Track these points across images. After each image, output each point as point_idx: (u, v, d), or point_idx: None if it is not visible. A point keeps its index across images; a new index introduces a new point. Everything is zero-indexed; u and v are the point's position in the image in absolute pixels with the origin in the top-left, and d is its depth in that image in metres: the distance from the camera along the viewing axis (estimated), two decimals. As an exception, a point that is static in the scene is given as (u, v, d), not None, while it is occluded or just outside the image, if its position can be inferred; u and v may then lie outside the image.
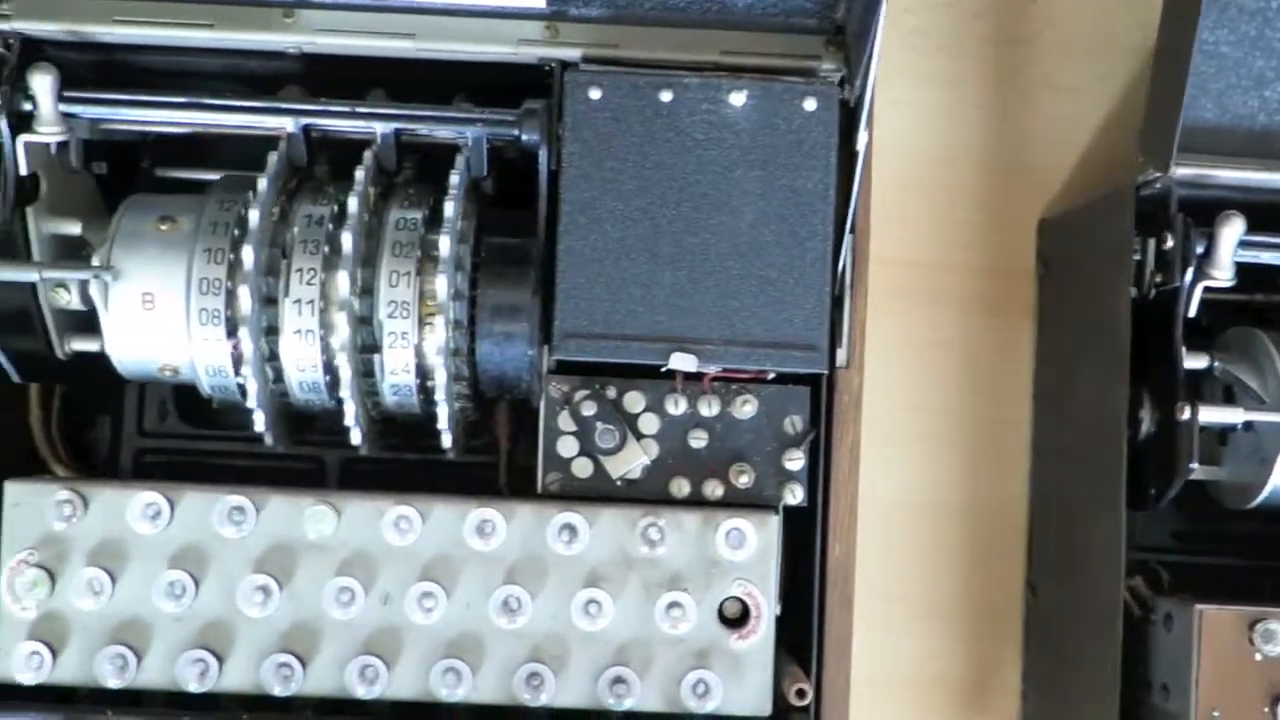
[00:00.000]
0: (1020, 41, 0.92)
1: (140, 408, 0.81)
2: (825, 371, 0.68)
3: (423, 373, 0.69)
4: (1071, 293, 0.84)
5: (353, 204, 0.67)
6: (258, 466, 0.79)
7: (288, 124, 0.70)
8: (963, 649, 0.91)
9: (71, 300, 0.72)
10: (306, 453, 0.80)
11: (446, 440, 0.70)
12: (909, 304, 0.90)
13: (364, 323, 0.68)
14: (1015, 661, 0.90)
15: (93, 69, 0.74)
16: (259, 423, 0.69)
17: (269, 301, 0.68)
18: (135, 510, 0.68)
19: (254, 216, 0.66)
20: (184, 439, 0.81)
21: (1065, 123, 0.92)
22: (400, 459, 0.78)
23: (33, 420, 0.76)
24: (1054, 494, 0.86)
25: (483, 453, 0.77)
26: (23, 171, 0.70)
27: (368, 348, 0.68)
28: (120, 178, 0.77)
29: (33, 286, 0.71)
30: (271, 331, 0.68)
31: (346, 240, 0.66)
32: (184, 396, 0.81)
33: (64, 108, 0.70)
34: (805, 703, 0.68)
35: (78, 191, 0.75)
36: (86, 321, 0.74)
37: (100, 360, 0.76)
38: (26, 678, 0.68)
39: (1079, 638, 0.82)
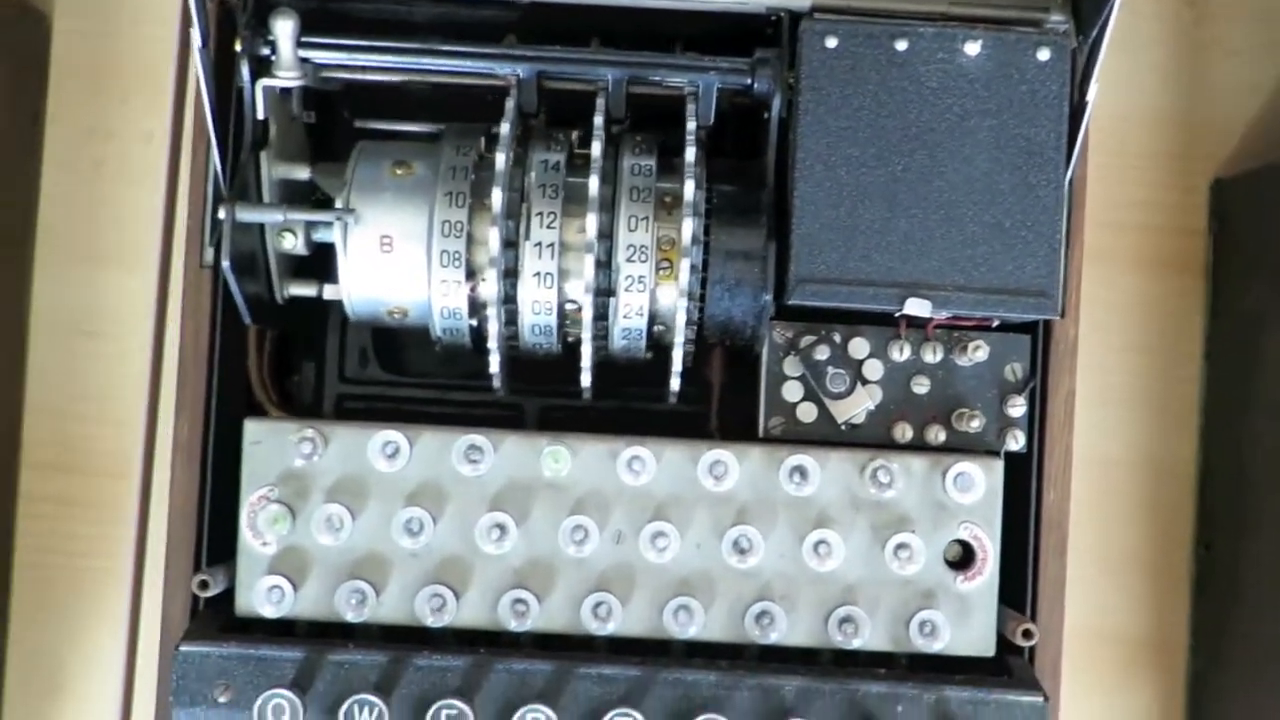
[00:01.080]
0: (1194, 3, 0.93)
1: (341, 355, 0.83)
2: (1058, 318, 0.69)
3: (653, 318, 0.71)
4: (1257, 250, 0.85)
5: (596, 148, 0.68)
6: (455, 413, 0.81)
7: (520, 70, 0.71)
8: (1133, 603, 0.92)
9: (296, 245, 0.73)
10: (505, 399, 0.81)
11: (675, 384, 0.71)
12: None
13: (601, 266, 0.69)
14: (1184, 617, 0.92)
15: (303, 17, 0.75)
16: (494, 364, 0.71)
17: (508, 245, 0.69)
18: (374, 448, 0.70)
19: (500, 159, 0.68)
20: (383, 385, 0.82)
21: (1237, 84, 0.93)
22: (595, 407, 0.79)
23: (250, 364, 0.77)
24: (1235, 450, 0.87)
25: (690, 401, 0.78)
26: (260, 116, 0.71)
27: (603, 291, 0.70)
28: (319, 127, 0.79)
29: (260, 231, 0.72)
30: (509, 274, 0.69)
31: (592, 184, 0.68)
32: (383, 344, 0.83)
33: (301, 53, 0.71)
34: (1031, 643, 0.70)
35: (295, 139, 0.76)
36: (304, 266, 0.76)
37: (311, 305, 0.77)
38: (268, 611, 0.70)
39: (1262, 595, 0.83)
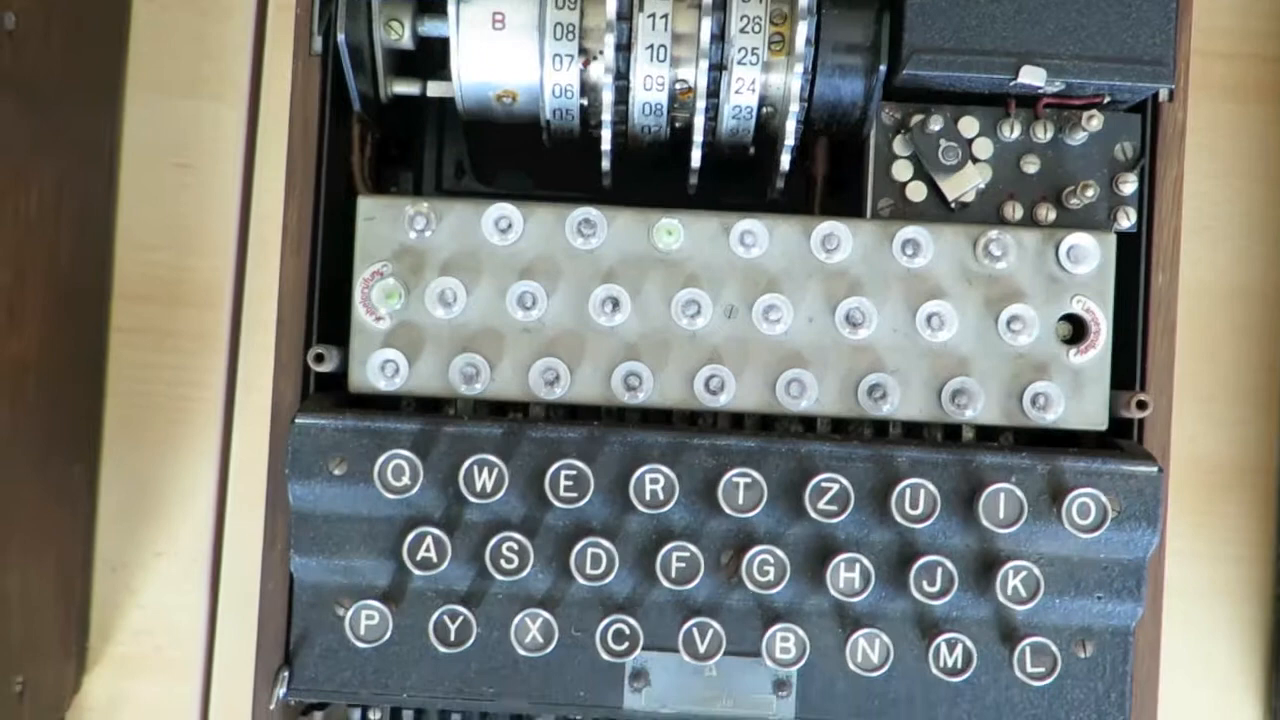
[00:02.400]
0: None
1: (439, 167, 0.83)
2: (1172, 86, 0.69)
3: (762, 100, 0.71)
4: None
5: (709, -83, 0.69)
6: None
7: None
8: (1222, 429, 0.92)
9: (402, 37, 0.73)
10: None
11: (785, 161, 0.72)
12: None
13: (715, 40, 0.69)
14: (1274, 441, 0.92)
15: None
16: (605, 140, 0.71)
17: (621, 18, 0.69)
18: (487, 223, 0.70)
19: (613, -70, 0.68)
20: (479, 198, 0.83)
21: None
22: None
23: (353, 163, 0.78)
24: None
25: (794, 196, 0.78)
26: (365, -100, 0.72)
27: (715, 66, 0.70)
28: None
29: (368, 24, 0.73)
30: (622, 49, 0.69)
31: (707, -49, 0.68)
32: (480, 155, 0.83)
33: None
34: (1145, 414, 0.69)
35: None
36: (408, 64, 0.76)
37: (413, 109, 0.78)
38: (382, 385, 0.70)
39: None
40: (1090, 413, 0.70)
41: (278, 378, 0.73)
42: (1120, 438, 0.72)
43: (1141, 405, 0.69)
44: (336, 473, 0.69)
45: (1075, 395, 0.70)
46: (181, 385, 0.92)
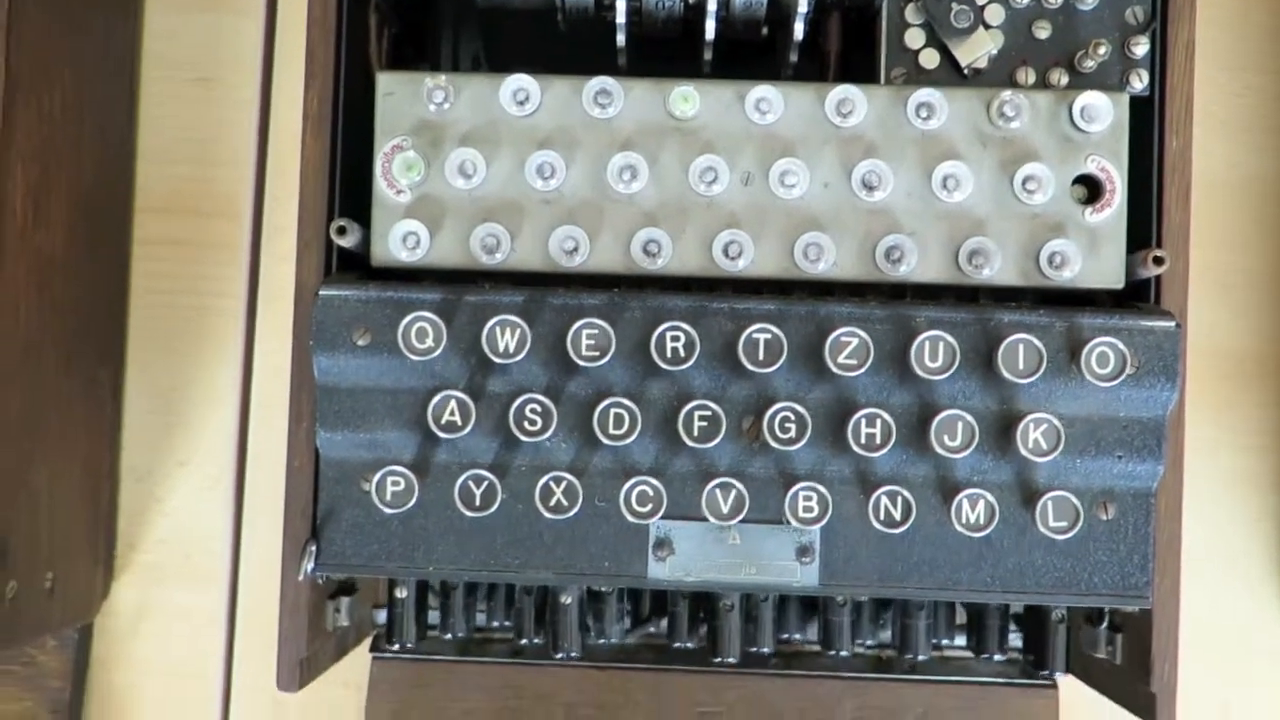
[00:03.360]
0: None
1: (455, 58, 0.84)
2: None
3: (774, -31, 0.72)
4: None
5: None
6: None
7: None
8: (1240, 320, 0.92)
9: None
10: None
11: (799, 30, 0.72)
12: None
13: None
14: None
15: None
16: (620, 14, 0.72)
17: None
18: (505, 95, 0.71)
19: None
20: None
21: None
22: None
23: (370, 50, 0.79)
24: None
25: (807, 77, 0.78)
26: None
27: (727, -65, 0.71)
28: None
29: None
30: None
31: None
32: (494, 50, 0.84)
33: None
34: (1162, 270, 0.70)
35: None
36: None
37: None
38: (404, 257, 0.71)
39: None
40: (1107, 271, 0.70)
41: (301, 257, 0.73)
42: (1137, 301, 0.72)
43: (1159, 261, 0.70)
44: (360, 343, 0.69)
45: (1092, 254, 0.70)
46: (204, 295, 0.93)
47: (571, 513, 0.69)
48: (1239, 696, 0.91)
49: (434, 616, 0.85)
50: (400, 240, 0.71)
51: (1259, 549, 0.92)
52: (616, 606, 0.78)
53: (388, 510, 0.69)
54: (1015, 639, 0.85)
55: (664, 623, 0.84)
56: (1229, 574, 0.92)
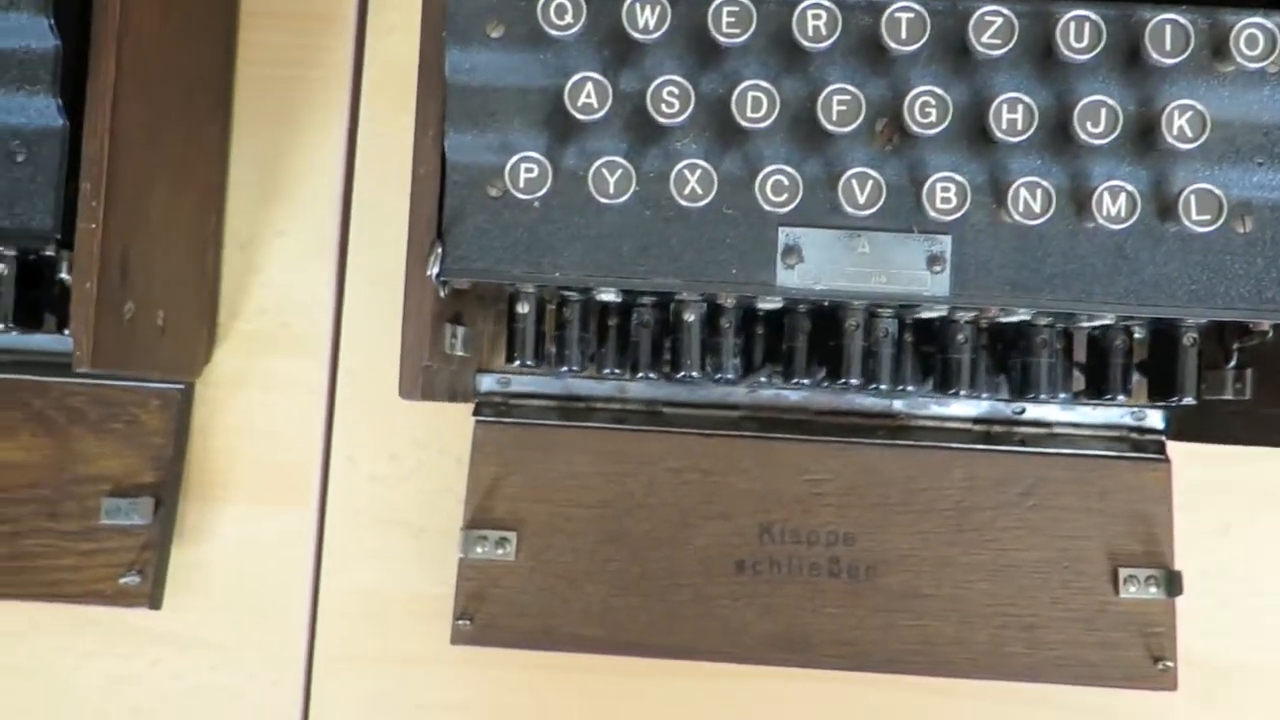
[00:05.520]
0: None
1: None
2: None
3: None
4: None
5: None
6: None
7: None
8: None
9: None
10: None
11: None
12: None
13: None
14: None
15: None
16: None
17: None
18: None
19: None
20: None
21: None
22: None
23: None
24: None
25: None
26: None
27: None
28: None
29: None
30: None
31: None
32: None
33: None
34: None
35: None
36: None
37: None
38: (538, -49, 0.70)
39: None
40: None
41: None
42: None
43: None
44: (494, 35, 0.69)
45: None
46: (309, 66, 0.93)
47: (705, 200, 0.68)
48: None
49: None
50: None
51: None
52: (735, 341, 0.77)
53: (521, 196, 0.68)
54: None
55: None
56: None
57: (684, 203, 0.68)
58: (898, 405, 0.87)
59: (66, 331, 0.80)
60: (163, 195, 0.81)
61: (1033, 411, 0.86)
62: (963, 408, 0.86)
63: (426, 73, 0.73)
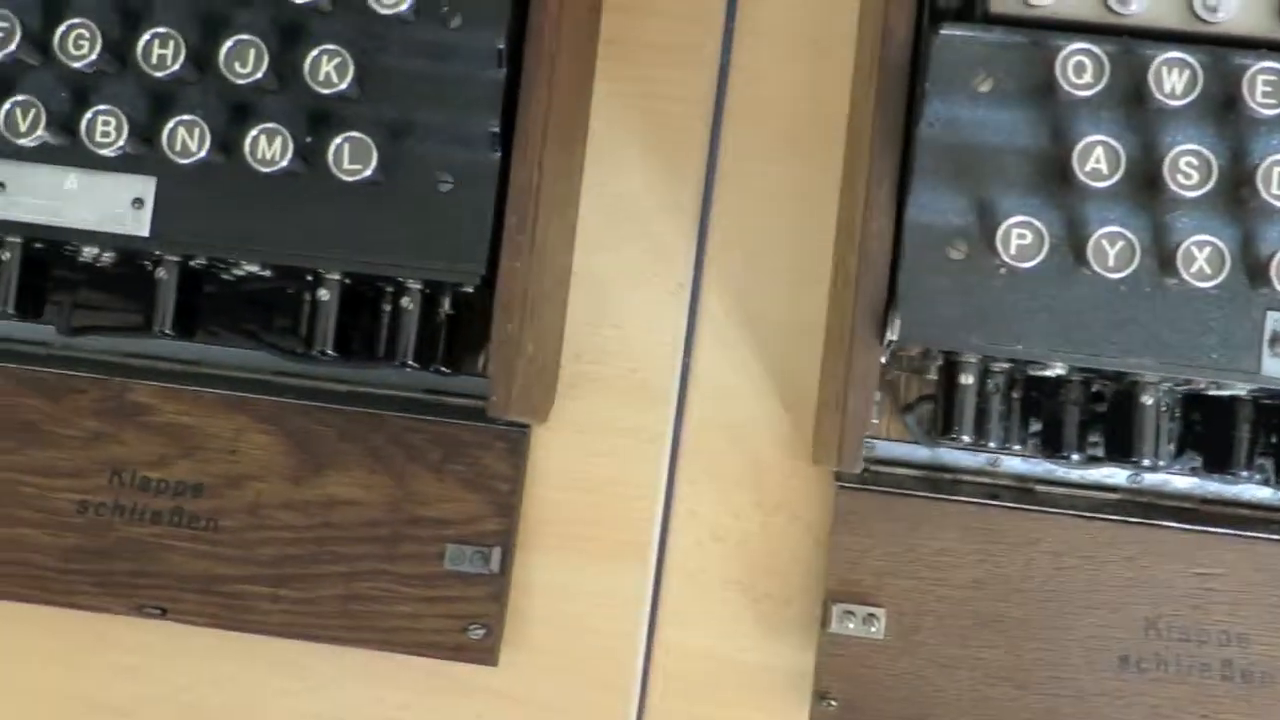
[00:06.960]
0: None
1: None
2: None
3: None
4: None
5: None
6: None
7: None
8: None
9: None
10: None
11: None
12: None
13: None
14: None
15: None
16: None
17: None
18: None
19: None
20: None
21: None
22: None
23: None
24: None
25: None
26: None
27: None
28: None
29: None
30: None
31: None
32: None
33: None
34: None
35: None
36: None
37: None
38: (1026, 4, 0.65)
39: None
40: None
41: (889, 8, 0.68)
42: None
43: None
44: (982, 90, 0.64)
45: None
46: (669, 100, 0.88)
47: (1215, 280, 0.63)
48: None
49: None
50: (1028, -15, 0.65)
51: None
52: (1170, 426, 0.72)
53: (1013, 263, 0.63)
54: None
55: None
56: None
57: (1192, 281, 0.63)
58: (1293, 500, 0.81)
59: (411, 365, 0.76)
60: (548, 229, 0.76)
61: None
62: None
63: (883, 123, 0.68)
